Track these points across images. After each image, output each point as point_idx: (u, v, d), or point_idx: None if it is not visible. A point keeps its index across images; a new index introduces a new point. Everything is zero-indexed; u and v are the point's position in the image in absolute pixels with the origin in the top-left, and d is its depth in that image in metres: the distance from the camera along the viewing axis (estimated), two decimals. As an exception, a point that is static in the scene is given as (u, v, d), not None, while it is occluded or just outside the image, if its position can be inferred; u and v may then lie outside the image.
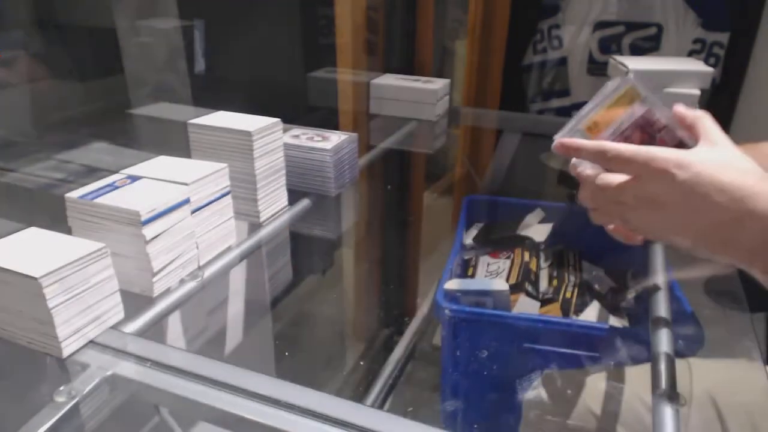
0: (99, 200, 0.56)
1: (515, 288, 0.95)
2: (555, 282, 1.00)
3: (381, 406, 1.05)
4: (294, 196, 0.79)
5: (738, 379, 0.71)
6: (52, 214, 0.59)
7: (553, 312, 0.93)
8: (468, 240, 1.16)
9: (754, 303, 0.70)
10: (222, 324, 0.81)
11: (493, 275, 1.02)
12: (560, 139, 0.53)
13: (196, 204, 0.61)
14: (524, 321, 0.84)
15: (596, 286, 1.00)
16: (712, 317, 0.79)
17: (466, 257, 1.12)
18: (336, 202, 0.83)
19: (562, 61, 1.58)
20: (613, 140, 0.52)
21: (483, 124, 1.59)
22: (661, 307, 0.61)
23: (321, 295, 1.34)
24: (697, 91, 1.05)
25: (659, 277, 0.67)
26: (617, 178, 0.50)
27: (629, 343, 0.79)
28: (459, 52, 2.24)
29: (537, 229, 1.16)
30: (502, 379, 0.89)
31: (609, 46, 1.51)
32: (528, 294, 0.95)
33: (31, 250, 0.49)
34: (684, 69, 1.05)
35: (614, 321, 0.92)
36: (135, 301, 0.56)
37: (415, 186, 1.54)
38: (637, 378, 0.74)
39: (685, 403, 0.48)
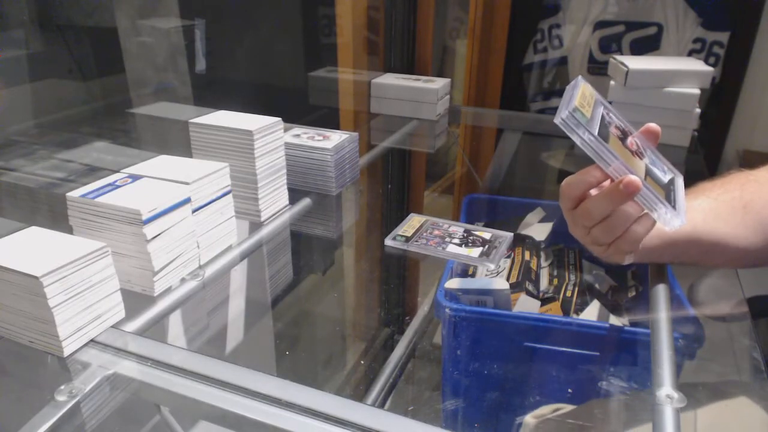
0: (100, 199, 0.56)
1: (516, 287, 0.95)
2: (555, 281, 1.00)
3: (382, 405, 1.05)
4: (295, 195, 0.79)
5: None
6: (54, 214, 0.59)
7: (554, 311, 0.93)
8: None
9: (754, 307, 0.71)
10: (223, 323, 0.81)
11: (493, 274, 1.02)
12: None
13: (197, 203, 0.61)
14: (525, 320, 0.84)
15: (597, 286, 1.00)
16: (712, 316, 0.79)
17: (467, 256, 1.12)
18: (337, 201, 0.83)
19: (563, 61, 1.58)
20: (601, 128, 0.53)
21: (483, 124, 1.59)
22: (662, 307, 0.61)
23: (321, 294, 1.34)
24: (696, 91, 1.05)
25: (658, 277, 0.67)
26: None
27: (629, 343, 0.79)
28: (459, 52, 2.23)
29: (537, 228, 1.16)
30: (502, 378, 0.89)
31: (609, 45, 1.51)
32: (528, 293, 0.95)
33: (33, 249, 0.49)
34: (684, 68, 1.05)
35: (614, 320, 0.92)
36: (136, 300, 0.56)
37: (416, 185, 1.54)
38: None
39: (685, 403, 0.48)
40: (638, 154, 0.55)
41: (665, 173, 0.57)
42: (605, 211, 0.53)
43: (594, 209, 0.54)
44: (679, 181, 0.58)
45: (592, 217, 0.54)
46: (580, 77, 0.56)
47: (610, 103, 1.00)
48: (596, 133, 0.51)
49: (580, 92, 0.53)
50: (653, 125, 0.57)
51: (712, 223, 0.61)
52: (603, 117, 0.54)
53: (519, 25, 1.54)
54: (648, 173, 0.54)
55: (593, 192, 0.55)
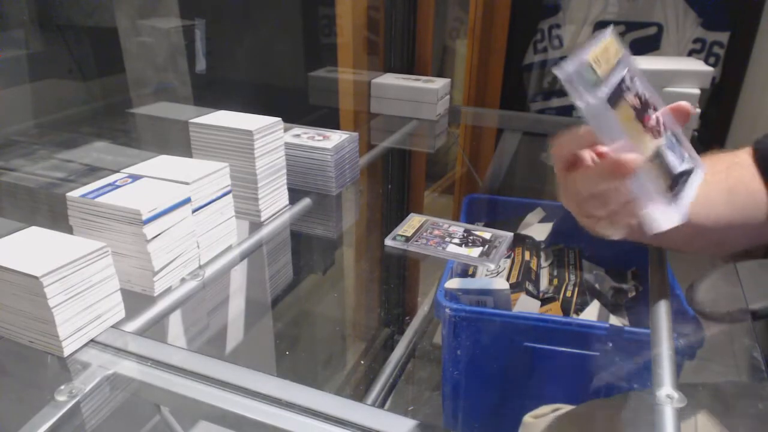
0: (100, 199, 0.56)
1: (516, 287, 0.95)
2: (555, 281, 1.00)
3: (382, 405, 1.05)
4: (295, 195, 0.79)
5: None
6: (54, 214, 0.59)
7: (554, 311, 0.93)
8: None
9: (755, 316, 0.70)
10: (223, 323, 0.81)
11: (493, 274, 1.02)
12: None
13: (197, 203, 0.61)
14: (525, 320, 0.84)
15: (596, 285, 1.00)
16: (712, 316, 0.79)
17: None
18: (337, 201, 0.83)
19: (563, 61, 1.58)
20: (618, 92, 0.44)
21: (483, 124, 1.59)
22: (661, 307, 0.61)
23: (321, 294, 1.34)
24: (697, 91, 1.05)
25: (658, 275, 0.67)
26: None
27: (629, 343, 0.80)
28: (459, 52, 2.24)
29: (537, 228, 1.16)
30: (502, 378, 0.89)
31: (609, 45, 1.51)
32: (528, 293, 0.95)
33: (33, 249, 0.49)
34: (684, 68, 1.05)
35: (614, 320, 0.92)
36: (136, 300, 0.56)
37: (416, 185, 1.54)
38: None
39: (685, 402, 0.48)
40: (654, 131, 0.46)
41: (683, 161, 0.48)
42: (594, 188, 0.48)
43: (582, 185, 0.48)
44: (698, 175, 0.50)
45: (579, 192, 0.49)
46: (611, 28, 0.47)
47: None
48: (605, 97, 0.42)
49: (603, 46, 0.44)
50: (685, 103, 0.49)
51: (704, 207, 0.59)
52: (623, 80, 0.44)
53: (519, 25, 1.54)
54: (657, 156, 0.45)
55: (586, 154, 0.48)
